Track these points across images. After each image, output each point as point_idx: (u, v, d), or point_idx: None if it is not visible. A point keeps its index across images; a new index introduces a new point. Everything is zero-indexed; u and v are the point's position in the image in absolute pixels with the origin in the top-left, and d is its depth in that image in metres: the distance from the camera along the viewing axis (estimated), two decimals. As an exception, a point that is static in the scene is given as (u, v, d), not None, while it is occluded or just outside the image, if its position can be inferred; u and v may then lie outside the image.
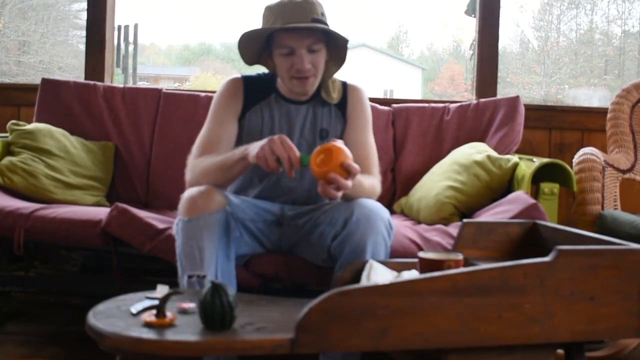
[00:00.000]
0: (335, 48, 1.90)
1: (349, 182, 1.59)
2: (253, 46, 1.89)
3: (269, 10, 1.85)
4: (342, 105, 1.98)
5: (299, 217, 1.90)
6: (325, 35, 1.86)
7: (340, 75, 2.01)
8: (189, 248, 1.68)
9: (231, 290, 1.30)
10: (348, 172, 1.57)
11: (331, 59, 1.92)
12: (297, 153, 1.62)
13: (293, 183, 1.92)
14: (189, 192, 1.75)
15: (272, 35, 1.85)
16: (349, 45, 1.89)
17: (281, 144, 1.62)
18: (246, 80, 1.98)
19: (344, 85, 2.01)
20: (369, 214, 1.69)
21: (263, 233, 1.90)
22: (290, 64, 1.84)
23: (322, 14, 1.84)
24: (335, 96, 1.96)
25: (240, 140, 1.92)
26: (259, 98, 1.96)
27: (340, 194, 1.60)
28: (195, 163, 1.86)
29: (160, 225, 1.99)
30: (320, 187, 1.60)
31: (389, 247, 1.74)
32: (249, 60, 1.93)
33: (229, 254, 1.75)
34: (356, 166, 1.58)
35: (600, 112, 2.83)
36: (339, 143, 1.61)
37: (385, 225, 1.71)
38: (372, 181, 1.89)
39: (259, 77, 2.00)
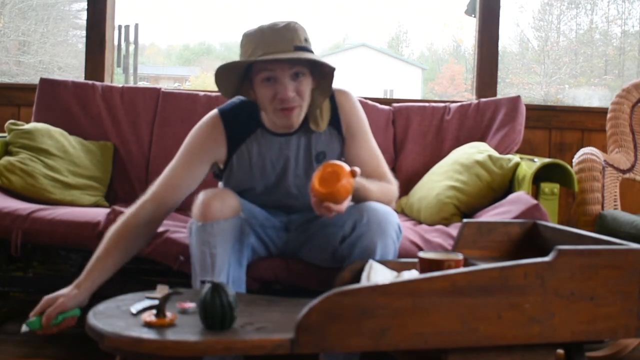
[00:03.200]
0: (321, 75, 1.75)
1: (343, 206, 1.59)
2: (232, 78, 1.74)
3: (247, 39, 1.70)
4: (335, 119, 1.84)
5: (307, 222, 1.88)
6: (310, 62, 1.72)
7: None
8: (201, 254, 1.67)
9: (231, 290, 1.30)
10: (347, 192, 1.57)
11: (317, 87, 1.77)
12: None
13: (298, 200, 1.86)
14: (203, 195, 1.71)
15: (252, 64, 1.70)
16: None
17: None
18: (225, 117, 1.82)
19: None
20: (380, 217, 1.67)
21: (271, 238, 1.89)
22: (273, 93, 1.69)
23: (306, 40, 1.70)
24: (324, 124, 1.83)
25: (231, 181, 1.86)
26: (244, 136, 1.82)
27: (333, 214, 1.60)
28: (131, 209, 1.77)
29: (158, 229, 1.97)
30: (315, 208, 1.60)
31: (397, 251, 1.72)
32: (228, 94, 1.78)
33: (241, 260, 1.74)
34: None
35: (600, 112, 2.83)
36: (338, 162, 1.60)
37: (395, 229, 1.69)
38: (386, 187, 1.84)
39: (239, 109, 1.83)
